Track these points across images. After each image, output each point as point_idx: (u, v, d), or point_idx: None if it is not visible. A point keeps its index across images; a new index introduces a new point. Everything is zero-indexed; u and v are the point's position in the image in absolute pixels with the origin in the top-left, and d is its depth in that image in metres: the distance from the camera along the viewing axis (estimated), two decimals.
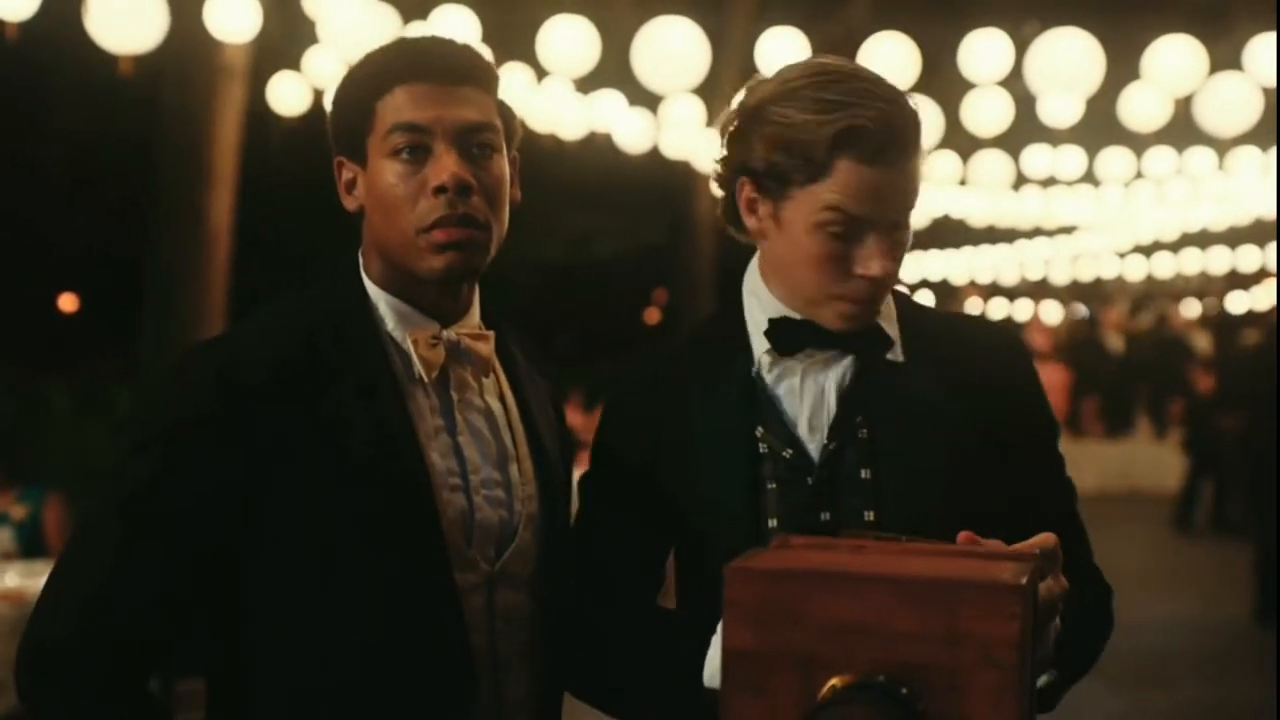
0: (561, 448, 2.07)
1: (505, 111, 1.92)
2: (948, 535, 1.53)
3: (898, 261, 1.84)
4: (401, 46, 1.90)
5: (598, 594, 1.92)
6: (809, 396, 1.88)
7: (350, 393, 1.80)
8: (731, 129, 1.89)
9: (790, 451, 1.86)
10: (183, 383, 1.82)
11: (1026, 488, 1.88)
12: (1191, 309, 23.17)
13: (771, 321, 1.88)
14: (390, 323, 1.89)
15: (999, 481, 1.85)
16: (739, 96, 1.90)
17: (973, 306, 23.47)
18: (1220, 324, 19.62)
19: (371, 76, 1.86)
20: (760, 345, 1.90)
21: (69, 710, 1.74)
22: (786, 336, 1.87)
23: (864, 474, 1.85)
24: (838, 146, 1.78)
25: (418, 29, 7.34)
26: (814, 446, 1.86)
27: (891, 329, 1.91)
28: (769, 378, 1.89)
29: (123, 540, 1.75)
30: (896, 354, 1.90)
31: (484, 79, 1.89)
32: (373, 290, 1.90)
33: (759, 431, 1.87)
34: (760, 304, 1.93)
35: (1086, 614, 1.79)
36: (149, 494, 1.76)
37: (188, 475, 1.76)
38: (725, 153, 1.91)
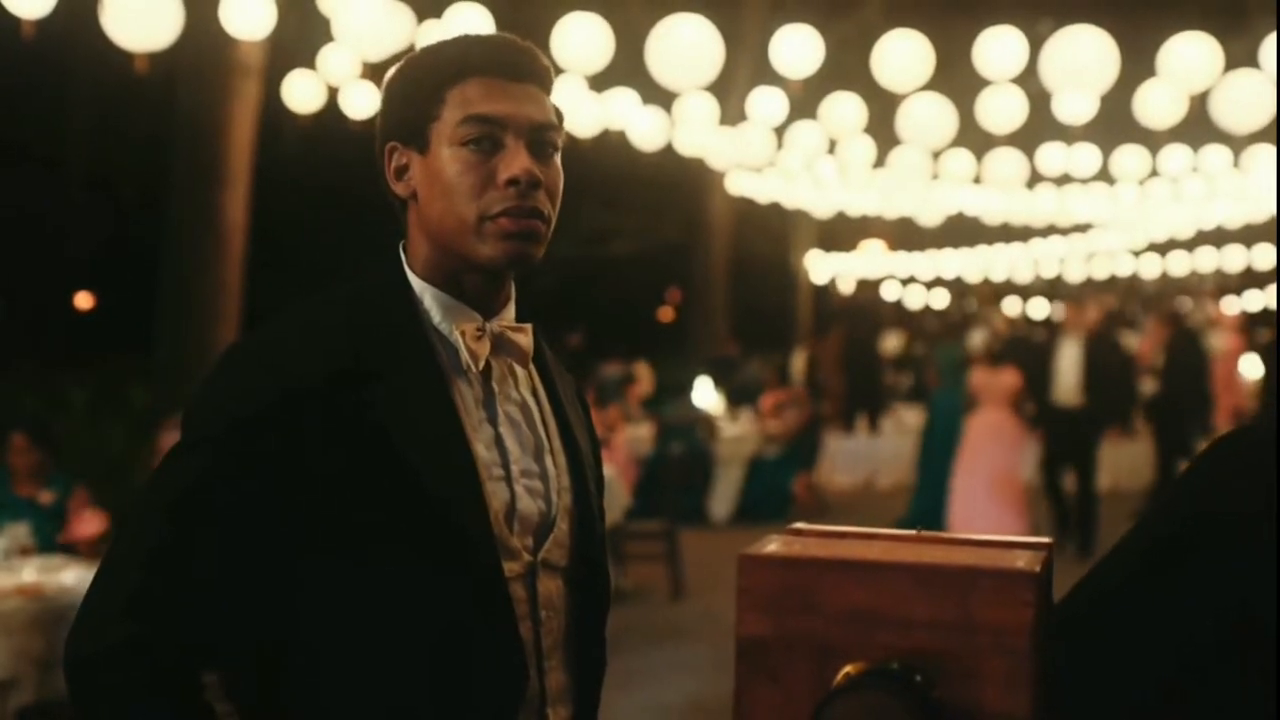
0: (590, 440, 2.09)
1: (559, 114, 1.95)
2: None
3: None
4: (474, 40, 1.91)
5: None
6: None
7: (399, 387, 1.81)
8: None
9: None
10: (238, 382, 1.82)
11: None
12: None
13: None
14: (436, 316, 1.90)
15: None
16: None
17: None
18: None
19: (443, 65, 1.87)
20: None
21: (119, 712, 1.73)
22: None
23: None
24: None
25: (433, 28, 7.37)
26: None
27: None
28: None
29: (171, 540, 1.75)
30: None
31: (546, 79, 1.93)
32: (417, 283, 1.91)
33: None
34: None
35: None
36: (199, 494, 1.76)
37: (241, 474, 1.76)
38: None
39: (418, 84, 1.89)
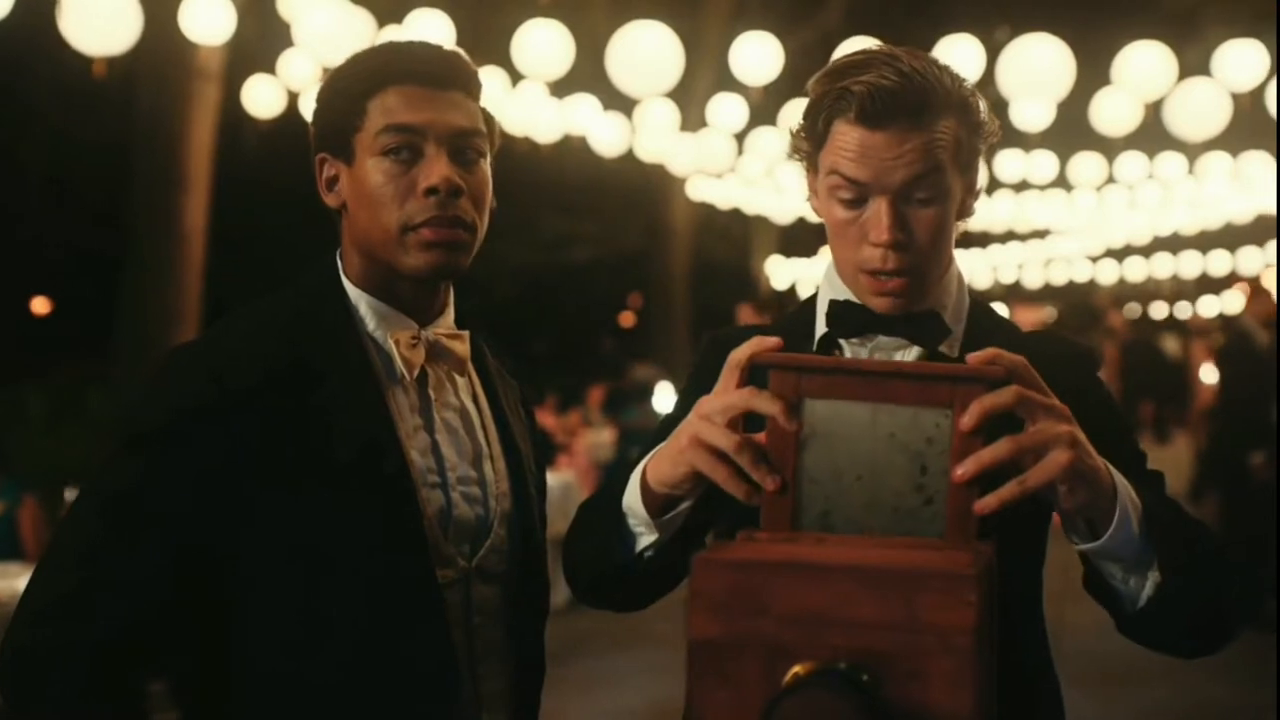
0: (532, 446, 2.10)
1: (488, 118, 1.94)
2: (1000, 533, 1.52)
3: (917, 234, 1.78)
4: (394, 48, 1.91)
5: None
6: None
7: (334, 393, 1.82)
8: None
9: None
10: (172, 384, 1.82)
11: None
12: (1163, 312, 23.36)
13: (831, 303, 1.87)
14: (371, 323, 1.90)
15: None
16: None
17: None
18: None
19: (363, 75, 1.87)
20: (821, 327, 1.88)
21: (52, 712, 1.72)
22: (843, 319, 1.85)
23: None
24: (833, 111, 1.77)
25: (393, 33, 7.36)
26: None
27: (955, 325, 1.88)
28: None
29: (107, 539, 1.74)
30: (952, 348, 1.86)
31: (471, 85, 1.91)
32: (352, 291, 1.92)
33: None
34: (831, 287, 1.91)
35: (1163, 506, 1.71)
36: (136, 493, 1.76)
37: (175, 476, 1.76)
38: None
39: (342, 95, 1.89)
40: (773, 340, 1.60)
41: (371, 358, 1.88)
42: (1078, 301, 23.41)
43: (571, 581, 1.91)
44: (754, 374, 1.61)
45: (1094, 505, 1.58)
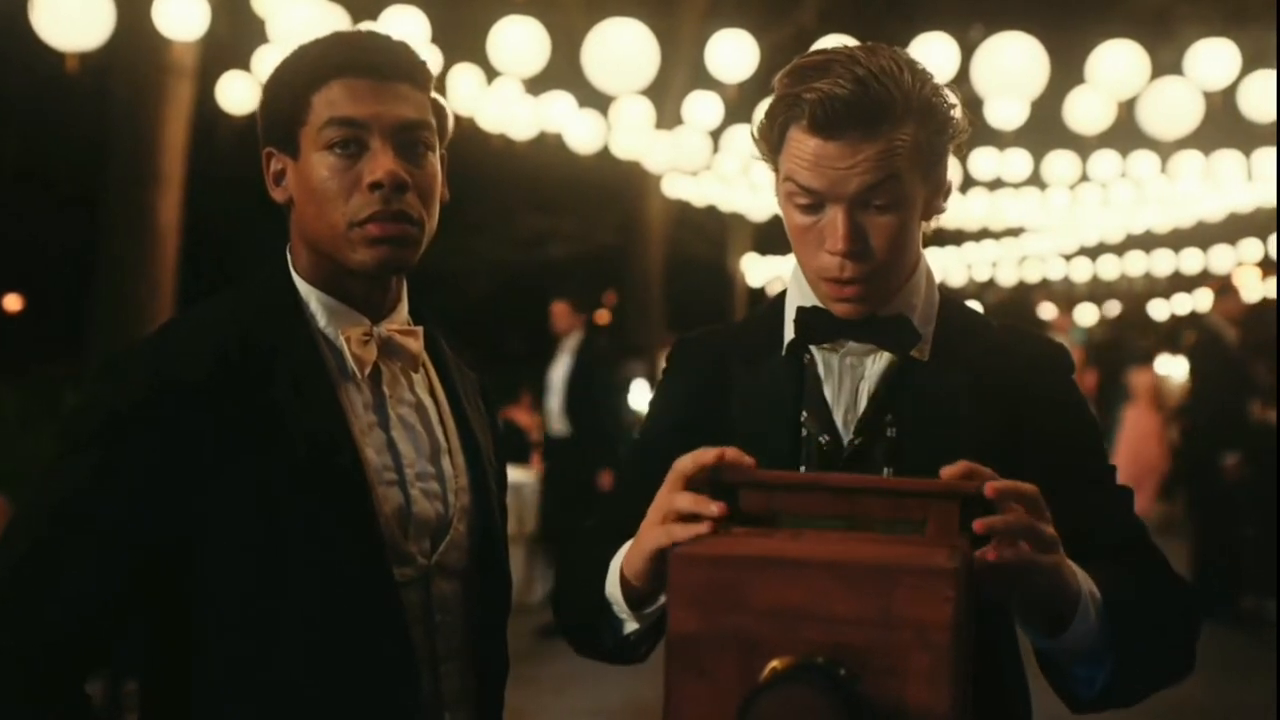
0: (493, 440, 2.08)
1: (438, 110, 1.90)
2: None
3: (874, 241, 1.77)
4: (339, 40, 1.87)
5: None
6: (845, 388, 1.86)
7: (285, 390, 1.79)
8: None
9: (826, 439, 1.84)
10: (119, 382, 1.78)
11: (1071, 501, 1.70)
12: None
13: (799, 310, 1.86)
14: (322, 319, 1.88)
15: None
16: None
17: None
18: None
19: (308, 68, 1.84)
20: (790, 333, 1.88)
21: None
22: (811, 326, 1.84)
23: (886, 472, 1.82)
24: (787, 118, 1.76)
25: (368, 29, 7.34)
26: (848, 439, 1.85)
27: (925, 327, 1.87)
28: (817, 363, 1.87)
29: (56, 541, 1.71)
30: (923, 352, 1.85)
31: (419, 77, 1.87)
32: (302, 286, 1.89)
33: (804, 415, 1.86)
34: (799, 292, 1.90)
35: (1132, 601, 1.70)
36: (84, 494, 1.73)
37: (124, 475, 1.73)
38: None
39: (286, 88, 1.85)
40: (733, 452, 1.61)
41: (323, 354, 1.85)
42: (1012, 304, 23.51)
43: (565, 635, 1.96)
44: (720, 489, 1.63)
45: (1056, 603, 1.62)
